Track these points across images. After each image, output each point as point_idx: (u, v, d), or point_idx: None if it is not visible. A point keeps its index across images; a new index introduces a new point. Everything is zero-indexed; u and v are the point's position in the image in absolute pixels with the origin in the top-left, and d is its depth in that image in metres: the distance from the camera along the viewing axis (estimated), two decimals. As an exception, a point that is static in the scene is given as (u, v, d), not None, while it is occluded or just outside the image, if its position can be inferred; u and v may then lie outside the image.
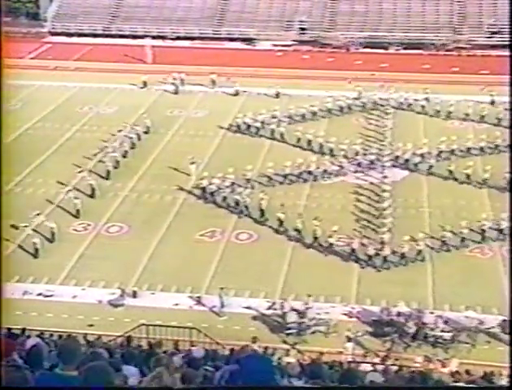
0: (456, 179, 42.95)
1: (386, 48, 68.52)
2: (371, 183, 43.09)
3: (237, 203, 39.92)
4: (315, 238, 36.51)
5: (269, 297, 32.71)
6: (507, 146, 46.57)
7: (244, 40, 71.59)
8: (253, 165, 43.78)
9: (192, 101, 55.82)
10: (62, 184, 42.23)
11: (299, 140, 47.70)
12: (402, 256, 35.00)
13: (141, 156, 46.45)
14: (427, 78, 58.43)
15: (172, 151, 47.49)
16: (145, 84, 58.32)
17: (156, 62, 63.97)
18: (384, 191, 41.39)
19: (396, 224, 38.05)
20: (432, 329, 29.88)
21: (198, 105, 55.38)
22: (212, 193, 40.99)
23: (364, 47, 68.99)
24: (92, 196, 41.12)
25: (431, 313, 31.07)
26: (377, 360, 27.66)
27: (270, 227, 38.28)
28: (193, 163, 43.73)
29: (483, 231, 36.95)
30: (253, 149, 47.37)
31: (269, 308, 31.94)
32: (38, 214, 38.20)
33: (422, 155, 45.03)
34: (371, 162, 45.12)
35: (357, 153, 45.64)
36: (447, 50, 67.97)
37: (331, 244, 35.97)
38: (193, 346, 21.38)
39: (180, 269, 35.02)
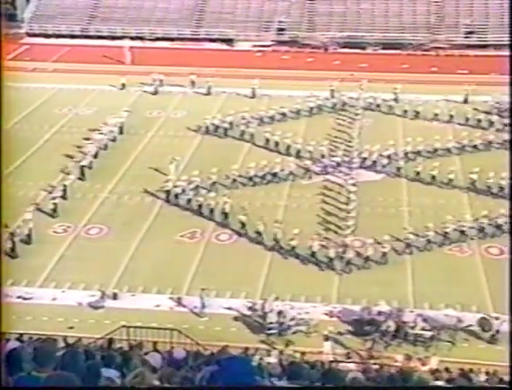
0: (422, 181, 42.98)
1: (364, 48, 68.78)
2: (338, 184, 42.93)
3: (201, 206, 39.81)
4: (276, 241, 36.37)
5: (250, 298, 32.72)
6: (473, 146, 46.83)
7: (223, 40, 71.54)
8: (220, 167, 43.33)
9: (171, 102, 55.73)
10: (46, 186, 42.05)
11: (268, 141, 47.63)
12: (366, 259, 34.94)
13: (120, 157, 46.32)
14: (407, 77, 58.68)
15: (152, 152, 47.41)
16: (123, 85, 58.14)
17: (135, 63, 63.79)
18: (350, 192, 41.23)
19: (361, 226, 38.05)
20: (412, 327, 30.03)
21: (178, 106, 55.29)
22: (177, 196, 40.83)
23: (342, 47, 69.18)
24: (64, 197, 40.89)
25: (411, 311, 31.22)
26: (358, 359, 27.76)
27: (232, 229, 38.22)
28: (172, 163, 43.66)
29: (463, 230, 37.17)
30: (232, 150, 47.28)
31: (250, 308, 31.95)
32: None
33: (389, 156, 44.96)
34: (338, 163, 44.98)
35: (323, 155, 45.54)
36: (425, 50, 68.33)
37: (293, 247, 35.83)
38: (173, 347, 21.34)
39: (161, 270, 34.95)
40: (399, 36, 69.81)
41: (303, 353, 26.40)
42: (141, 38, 71.51)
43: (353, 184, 42.13)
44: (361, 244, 36.28)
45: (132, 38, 69.97)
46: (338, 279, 34.26)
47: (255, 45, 70.73)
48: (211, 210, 39.41)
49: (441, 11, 72.57)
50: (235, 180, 42.64)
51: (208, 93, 56.85)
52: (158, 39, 71.66)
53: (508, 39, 68.87)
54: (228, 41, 71.33)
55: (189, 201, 40.47)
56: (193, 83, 57.93)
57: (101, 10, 75.61)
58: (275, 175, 43.30)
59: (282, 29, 72.35)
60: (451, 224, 36.94)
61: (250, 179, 42.91)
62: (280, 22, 72.80)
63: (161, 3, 75.91)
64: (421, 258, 35.71)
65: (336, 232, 37.69)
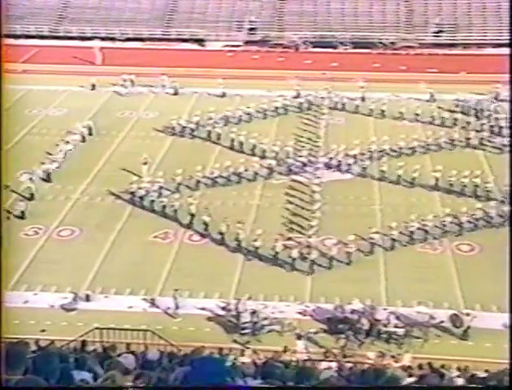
0: (387, 180, 43.16)
1: (335, 47, 69.07)
2: (303, 184, 42.95)
3: (165, 207, 39.69)
4: (238, 241, 36.35)
5: (223, 298, 32.71)
6: (437, 145, 47.17)
7: (194, 40, 71.46)
8: (185, 168, 43.15)
9: (142, 103, 55.54)
10: (13, 188, 41.69)
11: (233, 141, 47.60)
12: (330, 259, 34.98)
13: (91, 158, 46.07)
14: (378, 76, 59.01)
15: (123, 153, 47.22)
16: (94, 86, 57.83)
17: (105, 63, 63.51)
18: (315, 192, 41.23)
19: (326, 226, 38.14)
20: (385, 325, 30.20)
21: (149, 106, 55.12)
22: (141, 198, 40.63)
23: (313, 47, 69.42)
24: (30, 199, 40.60)
25: (384, 309, 31.39)
26: (332, 357, 27.86)
27: (196, 231, 38.10)
28: (145, 164, 43.52)
29: (426, 230, 37.31)
30: (197, 151, 47.14)
31: (223, 308, 31.94)
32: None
33: (355, 156, 45.04)
34: (304, 163, 44.98)
35: (288, 155, 45.50)
36: (395, 49, 68.78)
37: (256, 248, 35.80)
38: (147, 348, 21.29)
39: (134, 271, 34.83)
40: (369, 36, 70.20)
41: (277, 353, 26.44)
42: (111, 39, 71.17)
43: (318, 184, 42.15)
44: (325, 244, 36.38)
45: (102, 39, 69.63)
46: (311, 277, 34.35)
47: (226, 45, 70.74)
48: (176, 212, 39.28)
49: (410, 10, 73.11)
50: (199, 182, 42.46)
51: (175, 94, 56.73)
52: (128, 39, 71.40)
53: (475, 38, 69.78)
54: (199, 41, 71.26)
55: (153, 202, 40.29)
56: (164, 83, 57.77)
57: (70, 10, 75.15)
58: (239, 175, 43.20)
59: (253, 29, 72.47)
60: (416, 223, 37.12)
61: (214, 180, 42.74)
62: (251, 22, 72.92)
63: (131, 3, 75.65)
64: (393, 256, 35.92)
65: (300, 233, 37.66)
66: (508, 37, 69.06)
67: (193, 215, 38.73)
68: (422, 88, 55.67)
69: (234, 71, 60.48)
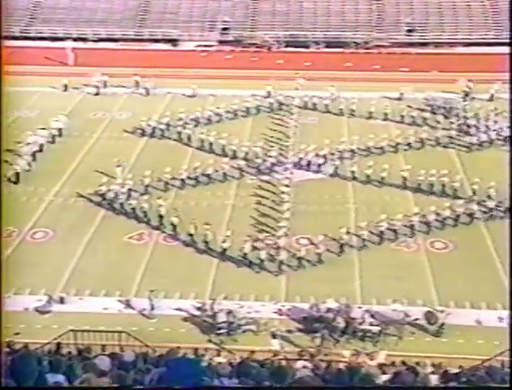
0: (357, 180, 43.27)
1: (307, 47, 69.26)
2: (272, 185, 42.88)
3: (134, 209, 39.55)
4: (207, 243, 36.26)
5: (199, 298, 32.68)
6: (407, 144, 47.35)
7: (167, 41, 71.29)
8: (154, 169, 43.03)
9: (115, 104, 55.31)
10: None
11: (203, 142, 47.47)
12: (299, 259, 35.03)
13: (65, 159, 45.80)
14: (350, 76, 59.27)
15: (97, 154, 47.01)
16: (66, 86, 57.49)
17: (78, 64, 63.13)
18: (284, 193, 41.18)
19: (296, 226, 38.17)
20: (360, 323, 30.34)
21: (122, 107, 54.91)
22: (111, 200, 40.44)
23: (286, 46, 69.57)
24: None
25: (359, 308, 31.52)
26: (307, 356, 27.94)
27: (164, 232, 38.02)
28: (119, 166, 43.35)
29: (412, 225, 37.64)
30: (167, 152, 47.02)
31: (199, 309, 31.92)
32: None
33: (324, 156, 45.07)
34: (273, 164, 44.91)
35: (258, 156, 45.44)
36: (367, 48, 69.09)
37: (224, 250, 35.75)
38: (122, 350, 21.23)
39: (109, 273, 34.69)
40: (341, 35, 70.44)
41: (252, 352, 26.47)
42: (83, 39, 70.78)
43: (287, 185, 42.10)
44: (295, 244, 36.44)
45: (74, 39, 69.20)
46: (286, 277, 34.43)
47: (199, 45, 70.65)
48: (145, 213, 39.14)
49: (382, 10, 73.50)
50: (167, 183, 42.30)
51: (148, 94, 56.55)
52: (101, 40, 71.03)
53: (446, 37, 70.34)
54: (172, 42, 71.10)
55: (122, 205, 40.13)
56: (137, 84, 57.58)
57: (41, 10, 74.62)
58: (209, 176, 43.05)
59: (226, 29, 72.45)
60: (386, 223, 37.22)
61: (183, 181, 42.59)
62: (224, 22, 72.89)
63: (103, 4, 75.29)
64: (367, 255, 36.09)
65: (269, 233, 37.62)
66: (476, 37, 69.98)
67: (162, 217, 38.60)
68: (393, 87, 55.87)
69: (207, 71, 60.45)
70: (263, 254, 34.98)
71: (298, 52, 67.69)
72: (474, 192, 40.81)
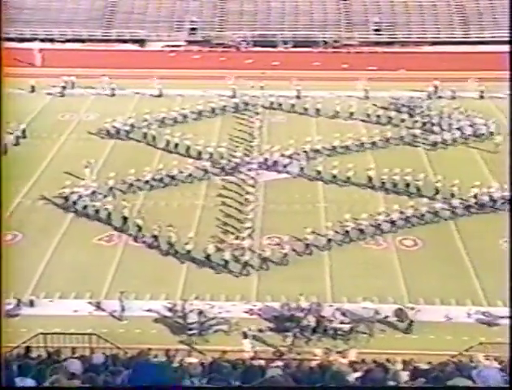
0: (323, 179, 43.29)
1: (276, 46, 69.38)
2: (238, 185, 42.82)
3: (97, 211, 39.29)
4: (170, 245, 36.09)
5: (170, 299, 32.60)
6: (372, 143, 47.51)
7: (135, 41, 71.01)
8: (118, 171, 42.83)
9: (83, 105, 54.96)
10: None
11: (168, 143, 47.30)
12: (264, 260, 35.00)
13: (33, 161, 45.40)
14: (319, 75, 59.46)
15: (66, 155, 46.66)
16: (33, 88, 57.00)
17: (45, 65, 62.62)
18: (249, 193, 41.10)
19: (261, 226, 38.25)
20: (331, 321, 30.45)
21: (90, 108, 54.58)
22: (74, 202, 40.04)
23: (254, 46, 69.64)
24: None
25: (330, 306, 31.64)
26: (279, 355, 28.00)
27: (129, 234, 37.79)
28: (87, 167, 43.08)
29: (379, 224, 37.80)
30: (132, 153, 46.84)
31: (170, 309, 31.83)
32: None
33: (290, 156, 45.03)
34: (238, 164, 44.79)
35: (222, 156, 45.29)
36: (336, 47, 69.39)
37: (188, 251, 35.60)
38: (93, 352, 21.10)
39: (79, 275, 34.45)
40: (309, 34, 70.66)
41: (224, 352, 26.45)
42: (50, 40, 70.21)
43: (253, 185, 42.07)
44: (261, 244, 36.43)
45: (42, 40, 68.63)
46: (257, 277, 34.46)
47: (167, 46, 70.47)
48: (109, 215, 38.91)
49: (350, 9, 73.84)
50: (131, 185, 42.02)
51: (113, 95, 56.25)
52: (68, 40, 70.53)
53: (414, 36, 70.86)
54: (140, 42, 70.84)
55: (85, 207, 39.83)
56: (105, 85, 57.26)
57: (7, 11, 73.77)
58: (173, 177, 42.82)
59: (194, 29, 72.34)
60: (352, 222, 37.32)
61: (147, 182, 42.30)
62: (192, 22, 72.76)
63: (70, 4, 74.75)
64: (338, 253, 36.22)
65: (234, 234, 37.55)
66: (444, 36, 70.63)
67: (126, 219, 38.38)
68: (359, 85, 56.10)
69: (175, 72, 60.31)
70: (227, 255, 34.88)
71: (267, 51, 67.79)
72: (437, 191, 41.01)
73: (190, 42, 71.22)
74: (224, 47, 69.53)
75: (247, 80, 56.79)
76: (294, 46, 69.48)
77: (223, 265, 34.79)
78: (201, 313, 30.63)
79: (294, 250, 35.91)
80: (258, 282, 34.12)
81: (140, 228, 37.57)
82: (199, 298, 31.83)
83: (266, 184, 43.19)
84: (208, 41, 70.78)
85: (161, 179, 42.73)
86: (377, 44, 70.20)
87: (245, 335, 29.42)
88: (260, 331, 30.47)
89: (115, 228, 38.27)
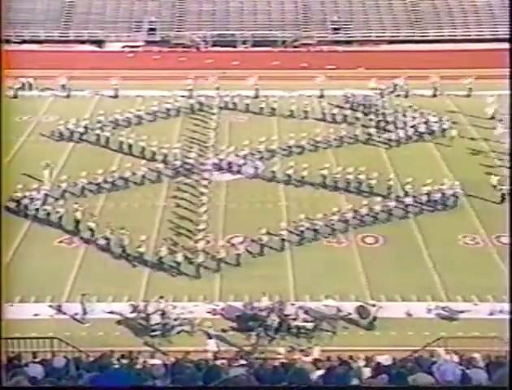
0: (278, 180, 43.28)
1: (235, 46, 69.40)
2: (192, 187, 42.59)
3: (49, 215, 38.86)
4: (123, 248, 35.89)
5: (132, 300, 32.43)
6: (326, 142, 47.60)
7: (93, 42, 70.46)
8: (71, 174, 42.67)
9: (42, 106, 54.41)
10: None
11: (122, 144, 46.91)
12: (218, 261, 34.93)
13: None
14: (278, 74, 59.60)
15: (24, 157, 46.11)
16: (-11, 90, 56.16)
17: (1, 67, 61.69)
18: (203, 194, 40.97)
19: (215, 228, 38.21)
20: (294, 320, 30.57)
21: (48, 110, 54.06)
22: (26, 206, 39.51)
23: (213, 46, 69.57)
24: None
25: (293, 304, 31.76)
26: (243, 355, 28.01)
27: (81, 237, 37.57)
28: (46, 169, 42.66)
29: (332, 224, 37.80)
30: (87, 155, 46.48)
31: (133, 311, 31.68)
32: None
33: (245, 157, 44.76)
34: (192, 165, 44.53)
35: (177, 157, 45.01)
36: (295, 47, 69.62)
37: (140, 254, 35.36)
38: (54, 356, 20.91)
39: (39, 278, 34.10)
40: (268, 34, 70.78)
41: (187, 353, 26.39)
42: (6, 41, 69.23)
43: (206, 186, 41.90)
44: (213, 246, 36.31)
45: (-3, 41, 67.76)
46: (219, 276, 34.44)
47: (126, 46, 70.06)
48: (60, 219, 38.52)
49: (308, 8, 74.12)
50: (83, 188, 41.57)
51: (69, 97, 55.73)
52: (24, 42, 69.68)
53: (372, 35, 71.39)
54: (98, 43, 70.31)
55: (37, 210, 39.37)
56: (63, 86, 56.72)
57: (-37, 12, 72.73)
58: (126, 179, 42.49)
59: (153, 29, 71.98)
60: (305, 222, 37.31)
61: (99, 185, 41.87)
62: (151, 22, 72.40)
63: (26, 4, 73.79)
64: (300, 252, 36.36)
65: (187, 236, 37.45)
66: (402, 35, 71.28)
67: (78, 222, 38.03)
68: (318, 84, 56.23)
69: (135, 72, 60.02)
70: (180, 257, 34.68)
71: (227, 51, 67.76)
72: (389, 189, 41.14)
73: (149, 42, 70.87)
74: (184, 47, 69.32)
75: (206, 80, 56.65)
76: (253, 46, 69.54)
77: (176, 267, 34.58)
78: (163, 314, 30.55)
79: (248, 251, 35.83)
80: (221, 282, 34.10)
81: (92, 231, 37.22)
82: (162, 299, 31.69)
83: (222, 184, 43.02)
84: (167, 42, 70.52)
85: (113, 182, 42.27)
86: (336, 43, 70.58)
87: (210, 336, 29.40)
88: (223, 330, 30.49)
89: (67, 232, 37.83)
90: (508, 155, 45.23)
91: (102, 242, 36.55)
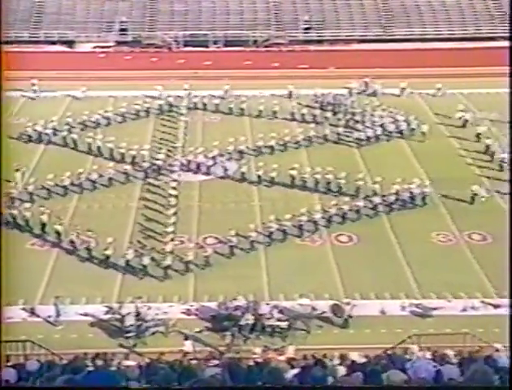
0: (247, 180, 43.20)
1: (207, 46, 69.35)
2: (160, 188, 42.39)
3: (14, 218, 38.46)
4: (89, 250, 35.62)
5: (106, 302, 32.28)
6: (296, 143, 47.57)
7: (63, 42, 70.00)
8: (37, 176, 42.49)
9: (11, 108, 53.92)
10: None
11: (90, 146, 46.60)
12: (187, 263, 34.83)
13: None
14: (250, 74, 59.64)
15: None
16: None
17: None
18: (172, 196, 40.72)
19: (184, 229, 38.10)
20: (269, 319, 30.59)
21: (19, 111, 53.63)
22: None
23: (185, 46, 69.46)
24: None
25: (267, 304, 31.77)
26: (217, 355, 27.98)
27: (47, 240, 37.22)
28: (17, 170, 42.30)
29: (315, 221, 38.04)
30: (54, 157, 46.21)
31: (107, 313, 31.53)
32: None
33: (213, 158, 44.75)
34: (160, 167, 44.30)
35: (144, 159, 44.81)
36: (267, 46, 69.71)
37: (107, 257, 35.13)
38: (27, 359, 20.76)
39: (12, 281, 33.60)
40: (240, 34, 70.81)
41: (162, 354, 26.33)
42: (-24, 42, 68.65)
43: (174, 188, 41.67)
44: (182, 248, 36.14)
45: (-34, 42, 67.12)
46: (193, 276, 34.39)
47: (97, 47, 69.69)
48: (27, 222, 38.21)
49: (279, 8, 74.24)
50: (50, 190, 41.17)
51: (40, 97, 55.28)
52: (-7, 42, 69.00)
53: (343, 34, 71.66)
54: (69, 43, 69.87)
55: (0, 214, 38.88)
56: (33, 87, 56.27)
57: None
58: (93, 182, 42.21)
59: (124, 29, 71.71)
60: (273, 223, 37.28)
61: (66, 188, 41.50)
62: (122, 22, 72.10)
63: (-4, 5, 73.13)
64: (274, 251, 36.39)
65: (155, 239, 37.32)
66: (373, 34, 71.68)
67: (44, 225, 37.71)
68: (287, 84, 56.26)
69: (106, 73, 59.74)
70: (146, 260, 34.49)
71: (199, 51, 67.69)
72: (358, 188, 41.18)
73: (120, 43, 70.60)
74: (156, 47, 69.15)
75: (177, 81, 56.51)
76: (225, 46, 69.54)
77: (143, 270, 34.40)
78: (138, 315, 30.43)
79: (218, 253, 35.75)
80: (195, 282, 34.05)
81: (59, 234, 36.97)
82: (136, 300, 31.57)
83: (195, 185, 42.87)
84: (139, 42, 70.28)
85: (80, 184, 41.96)
86: (307, 42, 70.79)
87: (187, 337, 29.34)
88: (198, 331, 30.43)
89: (34, 235, 37.51)
90: (481, 154, 45.85)
91: (69, 245, 36.26)
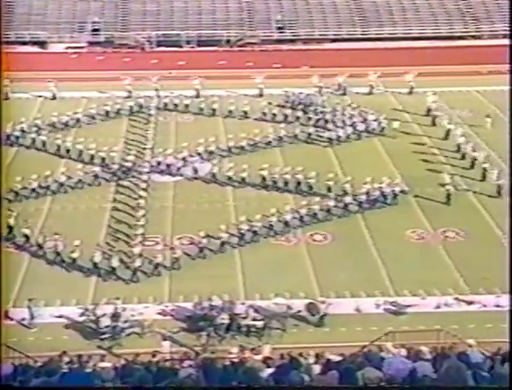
0: (218, 181, 43.00)
1: (180, 46, 69.23)
2: (130, 190, 42.12)
3: None
4: (57, 253, 35.27)
5: (81, 304, 32.11)
6: (267, 143, 47.41)
7: (35, 43, 69.49)
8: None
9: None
10: None
11: (59, 148, 46.25)
12: (156, 265, 34.60)
13: None
14: (224, 73, 59.63)
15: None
16: None
17: None
18: (141, 198, 40.49)
19: (153, 231, 37.93)
20: (244, 319, 30.63)
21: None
22: None
23: (158, 46, 69.29)
24: None
25: (243, 303, 31.79)
26: (193, 355, 27.94)
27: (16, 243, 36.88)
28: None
29: (271, 225, 37.74)
30: (20, 160, 45.78)
31: (82, 314, 31.38)
32: None
33: (184, 159, 44.48)
34: (129, 168, 44.01)
35: (114, 160, 44.53)
36: (240, 46, 69.74)
37: (74, 260, 34.80)
38: (1, 363, 20.60)
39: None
40: (213, 33, 70.78)
41: (137, 355, 26.24)
42: None
43: (145, 189, 41.51)
44: (151, 250, 36.02)
45: None
46: (168, 277, 34.32)
47: (69, 47, 69.28)
48: None
49: (252, 8, 74.31)
50: (17, 193, 40.70)
51: (7, 99, 54.62)
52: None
53: (316, 33, 71.89)
54: (41, 44, 69.37)
55: None
56: (6, 89, 55.72)
57: None
58: (62, 184, 41.82)
59: (96, 30, 71.36)
60: (244, 225, 37.23)
61: (34, 190, 41.05)
62: (94, 22, 71.74)
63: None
64: (249, 251, 36.41)
65: (124, 241, 37.08)
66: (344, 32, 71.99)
67: (11, 228, 37.31)
68: (258, 83, 56.26)
69: (78, 73, 59.41)
70: (115, 262, 34.31)
71: (172, 51, 67.54)
72: (329, 189, 41.16)
73: (93, 43, 70.24)
74: (129, 48, 68.89)
75: (149, 81, 56.30)
76: (198, 45, 69.47)
77: (111, 272, 34.23)
78: (113, 316, 30.31)
79: (186, 253, 35.66)
80: (170, 282, 33.99)
81: (27, 237, 36.64)
82: (111, 301, 31.45)
83: (158, 187, 42.65)
84: (111, 42, 69.97)
85: (48, 187, 41.54)
86: (280, 42, 70.93)
87: (165, 338, 29.29)
88: (174, 331, 30.39)
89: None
90: (454, 152, 46.19)
91: (35, 248, 36.00)
